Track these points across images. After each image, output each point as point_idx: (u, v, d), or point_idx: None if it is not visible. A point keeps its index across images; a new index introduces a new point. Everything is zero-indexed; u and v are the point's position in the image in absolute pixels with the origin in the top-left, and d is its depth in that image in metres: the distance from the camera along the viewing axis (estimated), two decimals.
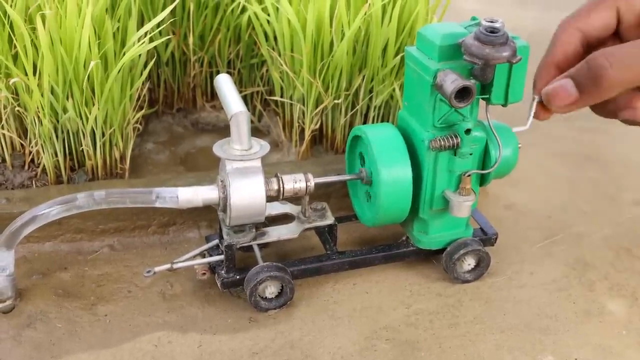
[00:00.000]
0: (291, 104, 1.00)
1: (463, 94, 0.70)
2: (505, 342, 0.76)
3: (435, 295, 0.82)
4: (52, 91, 0.87)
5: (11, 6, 0.85)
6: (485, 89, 0.74)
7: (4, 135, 0.92)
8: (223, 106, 0.77)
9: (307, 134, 0.99)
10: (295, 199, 0.82)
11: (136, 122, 0.97)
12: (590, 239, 0.92)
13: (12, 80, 0.85)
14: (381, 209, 0.78)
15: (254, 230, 0.80)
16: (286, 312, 0.79)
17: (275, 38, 0.98)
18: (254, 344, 0.75)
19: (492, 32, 0.69)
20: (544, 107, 0.76)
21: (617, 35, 0.77)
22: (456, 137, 0.75)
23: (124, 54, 0.87)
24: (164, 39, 0.98)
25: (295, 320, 0.78)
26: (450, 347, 0.75)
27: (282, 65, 0.97)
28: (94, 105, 0.88)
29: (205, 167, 1.02)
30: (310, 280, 0.83)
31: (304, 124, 0.99)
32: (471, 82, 0.70)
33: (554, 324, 0.79)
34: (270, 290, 0.78)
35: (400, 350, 0.75)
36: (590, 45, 0.77)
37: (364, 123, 1.00)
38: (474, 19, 0.75)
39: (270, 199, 0.78)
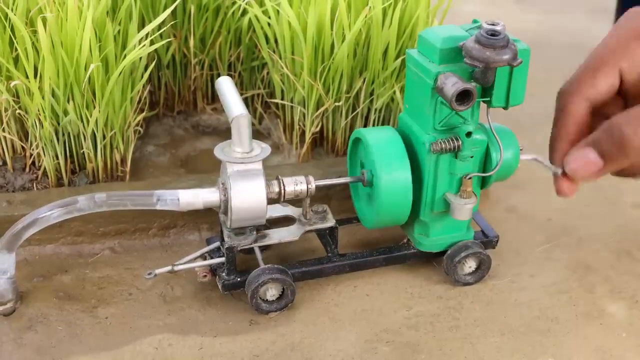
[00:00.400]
0: (292, 107, 1.00)
1: (464, 97, 0.70)
2: (505, 344, 0.76)
3: (436, 297, 0.82)
4: (53, 94, 0.87)
5: (12, 9, 0.85)
6: (486, 91, 0.74)
7: (4, 137, 0.92)
8: (224, 109, 0.77)
9: (308, 137, 0.99)
10: (296, 201, 0.82)
11: (137, 125, 0.97)
12: (590, 242, 0.92)
13: (13, 83, 0.85)
14: (381, 210, 0.78)
15: (254, 232, 0.80)
16: (287, 314, 0.79)
17: (276, 41, 0.98)
18: (254, 346, 0.75)
19: (492, 35, 0.69)
20: (568, 179, 0.75)
21: (619, 93, 0.75)
22: (457, 139, 0.75)
23: (125, 57, 0.87)
24: (164, 42, 0.98)
25: (295, 323, 0.78)
26: (450, 349, 0.75)
27: (282, 67, 0.97)
28: (94, 107, 0.88)
29: (206, 170, 1.02)
30: (311, 282, 0.83)
31: (304, 126, 0.99)
32: (472, 85, 0.70)
33: (555, 326, 0.79)
34: (272, 292, 0.79)
35: (400, 353, 0.75)
36: (596, 109, 0.75)
37: (365, 126, 1.00)
38: (475, 21, 0.75)
39: (271, 201, 0.78)
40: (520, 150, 0.81)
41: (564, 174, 0.74)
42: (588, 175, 0.73)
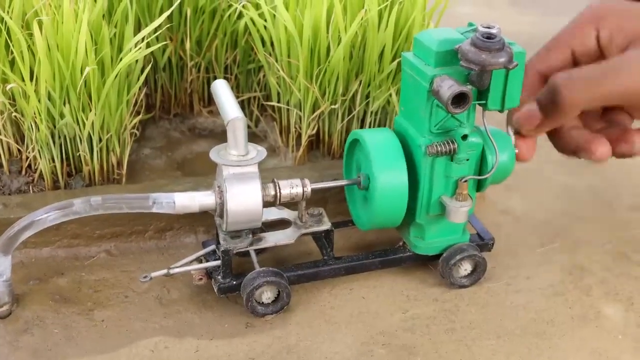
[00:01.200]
0: (288, 109, 1.00)
1: (459, 99, 0.70)
2: (501, 347, 0.76)
3: (431, 300, 0.82)
4: (49, 97, 0.87)
5: (8, 12, 0.85)
6: (482, 94, 0.74)
7: (1, 140, 0.92)
8: (220, 112, 0.77)
9: (304, 139, 0.99)
10: (292, 204, 0.82)
11: (133, 128, 0.97)
12: (587, 244, 0.92)
13: (9, 86, 0.85)
14: (376, 212, 0.78)
15: (250, 235, 0.80)
16: (283, 317, 0.79)
17: (272, 44, 0.98)
18: (250, 349, 0.75)
19: (488, 38, 0.69)
20: (522, 138, 0.81)
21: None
22: (453, 142, 0.75)
23: (121, 60, 0.87)
24: (160, 45, 0.98)
25: (292, 326, 0.78)
26: (446, 352, 0.75)
27: (279, 70, 0.97)
28: (90, 110, 0.88)
29: (202, 173, 1.02)
30: (307, 285, 0.83)
31: (300, 129, 0.99)
32: (468, 88, 0.70)
33: (551, 328, 0.79)
34: (267, 295, 0.79)
35: (396, 356, 0.75)
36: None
37: (361, 128, 1.00)
38: (470, 24, 0.75)
39: (267, 204, 0.78)
40: (517, 153, 0.81)
41: (517, 134, 0.81)
42: (530, 127, 0.79)
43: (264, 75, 1.09)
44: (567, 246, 0.92)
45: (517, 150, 0.81)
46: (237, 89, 1.12)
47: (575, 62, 0.82)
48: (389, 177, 0.77)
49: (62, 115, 0.88)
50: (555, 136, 0.81)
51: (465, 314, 0.80)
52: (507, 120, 0.82)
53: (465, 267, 0.83)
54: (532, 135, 0.81)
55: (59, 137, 0.91)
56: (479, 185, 0.81)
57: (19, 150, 0.94)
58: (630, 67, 0.74)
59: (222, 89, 0.79)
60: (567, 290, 0.84)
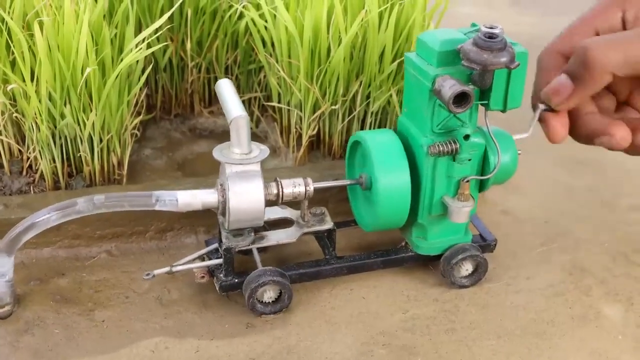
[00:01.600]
0: (289, 110, 1.00)
1: (461, 99, 0.70)
2: (501, 347, 0.76)
3: (432, 300, 0.82)
4: (50, 97, 0.87)
5: (9, 13, 0.85)
6: (484, 94, 0.74)
7: (1, 141, 0.92)
8: (223, 110, 0.77)
9: (305, 140, 0.99)
10: (294, 203, 0.82)
11: (134, 128, 0.97)
12: (587, 245, 0.92)
13: (9, 87, 0.85)
14: (380, 213, 0.79)
15: (252, 234, 0.80)
16: (283, 317, 0.79)
17: (272, 44, 0.98)
18: (251, 349, 0.75)
19: (490, 37, 0.69)
20: (552, 114, 0.77)
21: None
22: (455, 142, 0.75)
23: (122, 60, 0.87)
24: (161, 45, 0.98)
25: (292, 326, 0.78)
26: (447, 352, 0.76)
27: (279, 71, 0.97)
28: (91, 111, 0.88)
29: (203, 173, 1.02)
30: (308, 285, 0.83)
31: (301, 129, 0.99)
32: (469, 88, 0.70)
33: (551, 329, 0.79)
34: (269, 295, 0.79)
35: (397, 356, 0.75)
36: None
37: (361, 129, 1.00)
38: (473, 25, 0.75)
39: (269, 203, 0.78)
40: (519, 154, 0.81)
41: (548, 111, 0.77)
42: (562, 99, 0.75)
43: (264, 76, 1.09)
44: (568, 247, 0.92)
45: (548, 129, 0.77)
46: (237, 90, 1.12)
47: None
48: (391, 179, 0.77)
49: (62, 116, 0.88)
50: (571, 121, 0.79)
51: (465, 314, 0.81)
52: (532, 101, 0.78)
53: (467, 267, 0.83)
54: (564, 108, 0.77)
55: (60, 138, 0.91)
56: (481, 186, 0.81)
57: (19, 150, 0.94)
58: None
59: (226, 88, 0.79)
60: (567, 291, 0.84)
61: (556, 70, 0.78)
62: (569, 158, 1.10)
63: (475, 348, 0.76)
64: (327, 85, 0.94)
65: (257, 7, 0.99)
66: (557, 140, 0.78)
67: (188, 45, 1.05)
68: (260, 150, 0.78)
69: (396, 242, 0.86)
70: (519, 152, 0.81)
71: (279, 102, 1.02)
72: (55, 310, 0.80)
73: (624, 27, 0.79)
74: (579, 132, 0.79)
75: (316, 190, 0.80)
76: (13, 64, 0.87)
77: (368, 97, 0.97)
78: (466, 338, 0.77)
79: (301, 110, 0.98)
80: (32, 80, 0.85)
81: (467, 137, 0.74)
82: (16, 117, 0.90)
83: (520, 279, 0.86)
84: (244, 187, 0.75)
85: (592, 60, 0.72)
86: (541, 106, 0.76)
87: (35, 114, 0.87)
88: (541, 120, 0.78)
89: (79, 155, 0.92)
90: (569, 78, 0.75)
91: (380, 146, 0.79)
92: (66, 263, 0.87)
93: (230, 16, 1.05)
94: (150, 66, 0.98)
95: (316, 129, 0.99)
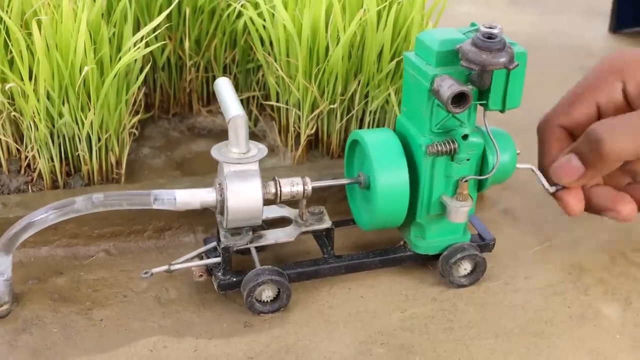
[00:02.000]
0: (287, 109, 1.00)
1: (460, 99, 0.70)
2: (499, 346, 0.76)
3: (430, 299, 0.82)
4: (48, 96, 0.87)
5: (7, 11, 0.85)
6: (483, 94, 0.74)
7: (0, 140, 0.92)
8: (221, 109, 0.77)
9: (303, 139, 0.99)
10: (292, 202, 0.82)
11: (132, 127, 0.97)
12: (585, 244, 0.92)
13: (8, 86, 0.85)
14: (378, 212, 0.79)
15: (251, 233, 0.80)
16: (281, 316, 0.79)
17: (271, 43, 0.98)
18: (249, 348, 0.75)
19: (489, 38, 0.69)
20: (565, 190, 0.81)
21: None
22: (453, 142, 0.75)
23: (120, 59, 0.87)
24: (159, 44, 0.98)
25: (290, 325, 0.78)
26: (445, 351, 0.76)
27: (277, 70, 0.97)
28: (89, 110, 0.88)
29: (202, 172, 1.02)
30: (306, 284, 0.83)
31: (299, 128, 0.99)
32: (468, 88, 0.70)
33: (549, 328, 0.79)
34: (267, 294, 0.79)
35: (395, 355, 0.75)
36: (578, 135, 0.81)
37: (360, 128, 1.00)
38: (473, 24, 0.75)
39: (267, 202, 0.78)
40: (518, 153, 0.82)
41: (559, 187, 0.81)
42: (572, 180, 0.79)
43: (262, 75, 1.09)
44: (566, 246, 0.92)
45: (565, 205, 0.81)
46: (236, 89, 1.11)
47: (600, 115, 0.81)
48: (389, 177, 0.77)
49: (61, 115, 0.88)
50: None
51: (463, 313, 0.81)
52: (539, 178, 0.83)
53: (465, 267, 0.83)
54: (575, 186, 0.81)
55: (58, 137, 0.91)
56: (480, 186, 0.81)
57: (18, 149, 0.94)
58: None
59: (224, 87, 0.79)
60: (566, 290, 0.84)
61: (558, 143, 0.82)
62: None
63: (473, 347, 0.76)
64: (325, 84, 0.94)
65: (256, 6, 0.99)
66: (575, 214, 0.82)
67: (186, 44, 1.05)
68: (259, 150, 0.78)
69: (395, 242, 0.87)
70: (518, 152, 0.81)
71: (277, 101, 1.02)
72: (53, 309, 0.80)
73: (626, 99, 0.80)
74: (586, 206, 0.81)
75: (314, 189, 0.80)
76: (11, 62, 0.87)
77: (366, 96, 0.97)
78: (464, 337, 0.77)
79: (299, 109, 0.98)
80: (30, 79, 0.85)
81: (465, 137, 0.75)
82: (14, 116, 0.90)
83: (518, 278, 0.86)
84: (242, 186, 0.75)
85: (607, 151, 0.74)
86: (549, 187, 0.81)
87: (34, 113, 0.87)
88: (556, 197, 0.82)
89: (77, 154, 0.92)
90: (579, 160, 0.77)
91: (379, 145, 0.79)
92: (64, 262, 0.87)
93: (228, 15, 1.05)
94: (149, 65, 0.97)
95: (314, 128, 0.99)
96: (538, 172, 0.83)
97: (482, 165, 0.79)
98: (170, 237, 0.91)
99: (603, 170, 0.77)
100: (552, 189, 0.82)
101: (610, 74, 0.81)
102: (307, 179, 0.80)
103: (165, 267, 0.79)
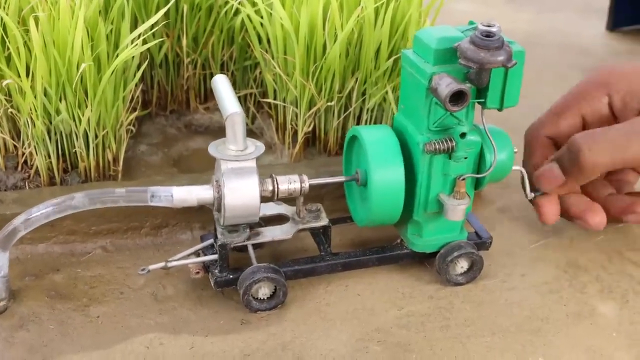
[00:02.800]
0: (284, 107, 1.00)
1: (457, 97, 0.70)
2: (496, 344, 0.76)
3: (427, 297, 0.82)
4: (45, 93, 0.87)
5: (4, 8, 0.85)
6: (481, 93, 0.74)
7: None
8: (219, 107, 0.77)
9: (300, 136, 0.99)
10: (290, 200, 0.82)
11: (129, 124, 0.97)
12: (582, 242, 0.92)
13: (5, 82, 0.85)
14: (373, 209, 0.79)
15: (248, 230, 0.80)
16: (278, 314, 0.79)
17: (268, 40, 0.98)
18: (245, 345, 0.75)
19: (487, 36, 0.69)
20: (544, 196, 0.86)
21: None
22: (451, 140, 0.75)
23: (117, 56, 0.87)
24: (157, 41, 0.98)
25: (287, 322, 0.79)
26: (441, 349, 0.76)
27: (275, 67, 0.97)
28: (87, 107, 0.88)
29: (199, 169, 1.02)
30: (302, 282, 0.83)
31: (297, 126, 0.99)
32: (466, 86, 0.70)
33: (545, 326, 0.79)
34: (264, 291, 0.79)
35: (391, 352, 0.75)
36: (562, 144, 0.84)
37: (357, 125, 1.00)
38: (471, 23, 0.76)
39: (264, 199, 0.78)
40: (515, 152, 0.82)
41: (539, 193, 0.85)
42: (552, 187, 0.83)
43: (260, 72, 1.09)
44: (563, 244, 0.92)
45: (540, 212, 0.85)
46: (233, 86, 1.11)
47: (585, 127, 0.85)
48: (385, 174, 0.77)
49: (58, 112, 0.88)
50: None
51: (460, 311, 0.81)
52: (522, 184, 0.86)
53: (462, 265, 0.83)
54: (555, 193, 0.84)
55: (55, 134, 0.91)
56: (478, 184, 0.81)
57: (15, 146, 0.94)
58: None
59: (221, 84, 0.79)
60: (562, 288, 0.85)
61: (542, 151, 0.86)
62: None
63: (469, 345, 0.76)
64: (322, 81, 0.94)
65: (253, 3, 0.99)
66: (548, 222, 0.86)
67: (184, 42, 1.05)
68: (256, 147, 0.78)
69: (392, 239, 0.87)
70: (516, 150, 0.82)
71: (275, 98, 1.02)
72: (50, 306, 0.80)
73: (612, 112, 0.83)
74: (561, 212, 0.86)
75: (312, 187, 0.80)
76: (8, 59, 0.87)
77: (364, 93, 0.97)
78: (461, 335, 0.77)
79: (297, 107, 0.98)
80: (27, 75, 0.85)
81: (463, 135, 0.75)
82: (11, 112, 0.90)
83: (515, 276, 0.86)
84: (240, 184, 0.75)
85: (585, 160, 0.77)
86: (530, 192, 0.85)
87: (31, 110, 0.87)
88: (533, 203, 0.86)
89: (74, 151, 0.92)
90: (559, 169, 0.81)
91: (376, 141, 0.79)
92: (61, 259, 0.87)
93: (226, 12, 1.05)
94: (146, 62, 0.98)
95: (312, 126, 0.99)
96: (526, 176, 0.85)
97: (480, 163, 0.79)
98: (167, 234, 0.91)
99: (580, 180, 0.81)
100: (531, 195, 0.85)
101: (597, 86, 0.84)
102: (304, 177, 0.80)
103: (162, 264, 0.79)
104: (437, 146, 0.75)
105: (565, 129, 0.85)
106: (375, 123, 1.00)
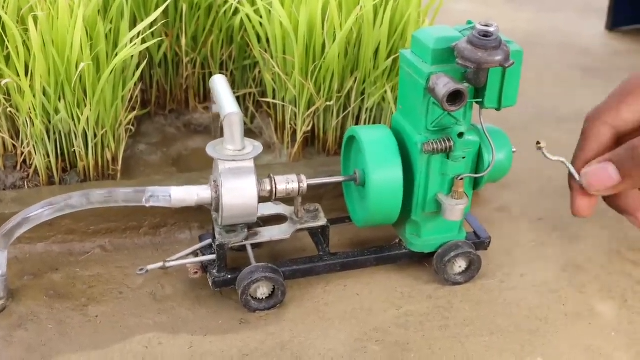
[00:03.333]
0: (283, 106, 1.00)
1: (455, 97, 0.70)
2: (495, 343, 0.76)
3: (425, 297, 0.82)
4: (44, 92, 0.87)
5: (3, 7, 0.85)
6: (479, 92, 0.74)
7: None
8: (217, 107, 0.77)
9: (299, 136, 0.99)
10: (288, 200, 0.82)
11: (128, 124, 0.97)
12: (581, 242, 0.92)
13: (4, 82, 0.85)
14: (371, 209, 0.79)
15: (246, 230, 0.80)
16: (277, 313, 0.79)
17: (267, 40, 0.98)
18: (244, 345, 0.75)
19: (485, 36, 0.69)
20: (584, 195, 0.79)
21: None
22: (449, 140, 0.75)
23: (116, 55, 0.87)
24: (156, 40, 0.98)
25: (285, 322, 0.79)
26: (440, 348, 0.76)
27: (274, 67, 0.97)
28: (85, 106, 0.88)
29: (198, 169, 1.02)
30: (301, 281, 0.83)
31: (296, 125, 0.99)
32: (463, 86, 0.70)
33: (544, 325, 0.79)
34: (262, 291, 0.79)
35: (390, 352, 0.75)
36: (621, 137, 0.78)
37: (356, 125, 1.00)
38: (469, 22, 0.75)
39: (263, 199, 0.78)
40: (514, 152, 0.82)
41: (581, 190, 0.79)
42: (603, 188, 0.76)
43: (259, 72, 1.09)
44: (562, 244, 0.92)
45: (575, 204, 0.80)
46: (232, 85, 1.12)
47: None
48: (383, 174, 0.77)
49: (57, 111, 0.88)
50: None
51: (458, 310, 0.81)
52: (569, 168, 0.80)
53: (460, 264, 0.83)
54: (599, 194, 0.78)
55: (54, 133, 0.91)
56: (476, 184, 0.81)
57: (14, 145, 0.94)
58: None
59: (220, 84, 0.79)
60: (561, 288, 0.85)
61: (597, 143, 0.78)
62: (564, 155, 1.10)
63: (468, 344, 0.76)
64: (321, 81, 0.94)
65: (252, 2, 0.99)
66: (580, 216, 0.80)
67: (183, 41, 1.05)
68: (254, 147, 0.78)
69: (390, 239, 0.87)
70: (514, 150, 0.81)
71: (274, 98, 1.02)
72: (48, 305, 0.80)
73: None
74: (611, 202, 0.80)
75: (310, 186, 0.80)
76: (7, 58, 0.87)
77: (363, 93, 0.97)
78: (459, 334, 0.77)
79: (296, 107, 0.98)
80: (26, 75, 0.85)
81: (461, 135, 0.75)
82: (10, 111, 0.90)
83: (514, 276, 0.86)
84: (238, 184, 0.75)
85: None
86: (576, 182, 0.79)
87: (30, 109, 0.87)
88: (573, 189, 0.80)
89: (73, 150, 0.92)
90: (616, 170, 0.74)
91: (374, 141, 0.79)
92: (60, 258, 0.87)
93: (225, 12, 1.05)
94: (145, 61, 0.97)
95: (311, 125, 0.99)
96: (569, 165, 0.80)
97: (478, 163, 0.79)
98: (166, 233, 0.91)
99: (638, 184, 0.75)
100: (580, 181, 0.79)
101: None
102: (303, 177, 0.80)
103: (160, 264, 0.79)
104: (435, 146, 0.75)
105: (627, 117, 0.77)
106: (374, 122, 1.00)
